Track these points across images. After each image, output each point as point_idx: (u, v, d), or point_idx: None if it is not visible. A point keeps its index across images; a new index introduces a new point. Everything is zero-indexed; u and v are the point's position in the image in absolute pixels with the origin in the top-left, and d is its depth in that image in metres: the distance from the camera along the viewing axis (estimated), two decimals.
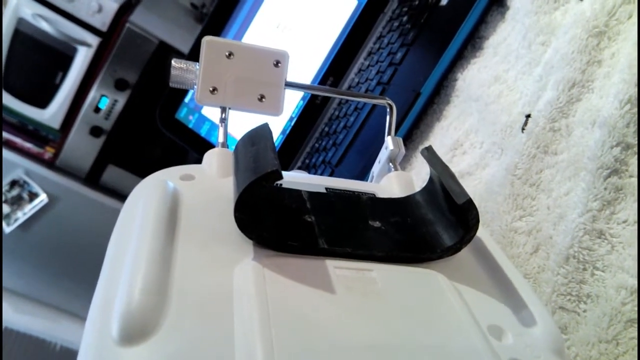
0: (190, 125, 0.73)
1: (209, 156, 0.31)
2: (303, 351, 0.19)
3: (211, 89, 0.35)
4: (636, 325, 0.25)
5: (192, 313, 0.20)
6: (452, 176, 0.27)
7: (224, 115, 0.35)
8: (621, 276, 0.26)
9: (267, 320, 0.20)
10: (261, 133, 0.27)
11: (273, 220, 0.26)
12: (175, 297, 0.21)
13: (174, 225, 0.25)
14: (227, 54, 0.35)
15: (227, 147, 0.33)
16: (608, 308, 0.26)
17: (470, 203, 0.25)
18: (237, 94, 0.35)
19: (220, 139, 0.33)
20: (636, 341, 0.25)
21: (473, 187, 0.38)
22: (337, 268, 0.24)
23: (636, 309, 0.25)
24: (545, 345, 0.23)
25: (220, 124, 0.34)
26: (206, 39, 0.35)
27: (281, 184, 0.30)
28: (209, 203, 0.27)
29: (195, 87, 0.35)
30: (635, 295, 0.25)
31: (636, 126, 0.28)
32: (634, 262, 0.26)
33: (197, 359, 0.18)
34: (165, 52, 1.78)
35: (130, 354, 0.18)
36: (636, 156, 0.28)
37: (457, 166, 0.41)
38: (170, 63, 0.36)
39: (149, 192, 0.27)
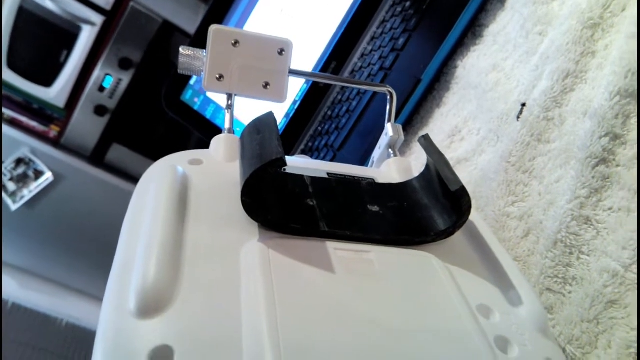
0: (196, 108, 0.75)
1: (216, 141, 0.33)
2: (305, 325, 0.21)
3: (218, 76, 0.36)
4: (616, 306, 0.27)
5: (203, 289, 0.22)
6: (446, 164, 0.28)
7: (230, 101, 0.36)
8: (604, 260, 0.28)
9: (272, 297, 0.22)
10: (266, 121, 0.29)
11: (277, 204, 0.27)
12: (187, 275, 0.22)
13: (184, 208, 0.26)
14: (233, 42, 0.36)
15: (234, 133, 0.34)
16: (591, 290, 0.28)
17: (462, 190, 0.26)
18: (243, 81, 0.36)
19: (227, 125, 0.35)
20: (615, 321, 0.26)
21: (469, 173, 0.39)
22: (337, 250, 0.26)
23: (616, 290, 0.27)
24: (531, 323, 0.25)
25: (226, 110, 0.36)
26: (213, 28, 0.36)
27: (285, 169, 0.31)
28: (217, 187, 0.29)
29: (203, 74, 0.36)
30: (617, 278, 0.27)
31: (624, 118, 0.29)
32: (617, 247, 0.27)
33: (208, 331, 0.20)
34: (169, 32, 1.79)
35: (146, 325, 0.20)
36: (623, 146, 0.29)
37: (455, 152, 0.42)
38: (177, 49, 0.37)
39: (160, 176, 0.28)
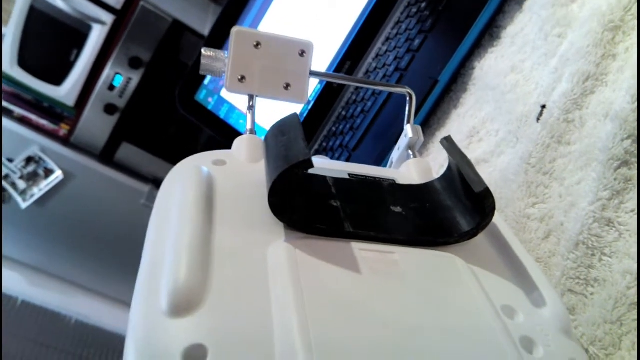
0: (210, 107, 0.75)
1: (238, 142, 0.33)
2: (334, 324, 0.21)
3: (240, 77, 0.36)
4: None
5: (232, 289, 0.22)
6: (470, 165, 0.29)
7: (251, 102, 0.36)
8: (627, 262, 0.28)
9: (301, 296, 0.22)
10: (290, 123, 0.29)
11: (302, 204, 0.28)
12: (216, 275, 0.23)
13: (210, 208, 0.27)
14: (254, 43, 0.36)
15: (255, 134, 0.35)
16: (614, 292, 0.28)
17: (487, 191, 0.26)
18: (264, 83, 0.37)
19: (249, 126, 0.35)
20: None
21: (488, 174, 0.40)
22: (362, 250, 0.26)
23: None
24: (554, 324, 0.25)
25: (248, 112, 0.36)
26: (235, 30, 0.36)
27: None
28: (241, 187, 0.29)
29: (224, 75, 0.37)
30: None
31: None
32: None
33: (240, 329, 0.20)
34: (179, 31, 1.79)
35: (179, 324, 0.21)
36: None
37: (473, 153, 0.43)
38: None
39: (186, 176, 0.29)
